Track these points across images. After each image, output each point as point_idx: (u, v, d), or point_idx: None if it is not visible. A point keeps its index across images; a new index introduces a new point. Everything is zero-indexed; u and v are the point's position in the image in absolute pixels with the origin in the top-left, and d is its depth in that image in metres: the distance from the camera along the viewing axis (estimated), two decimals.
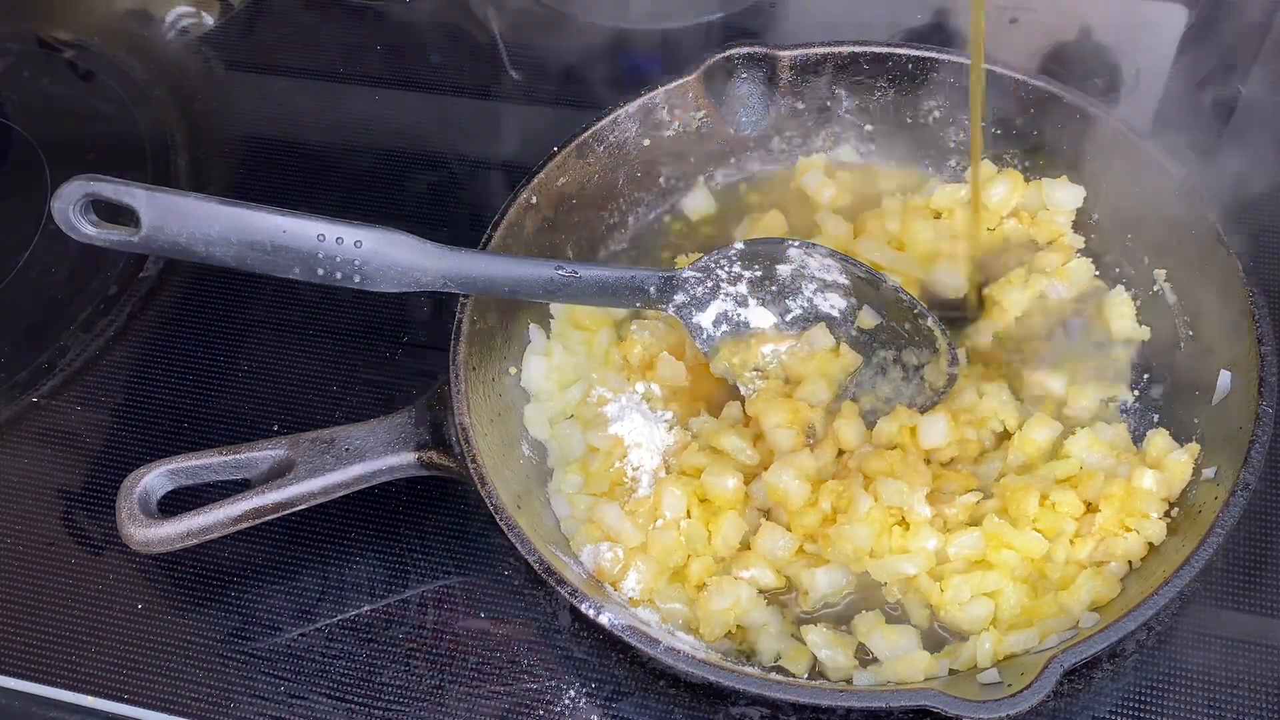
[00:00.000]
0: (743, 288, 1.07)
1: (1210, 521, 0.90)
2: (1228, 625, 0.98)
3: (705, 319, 1.07)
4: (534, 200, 1.12)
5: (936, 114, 1.21)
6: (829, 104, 1.23)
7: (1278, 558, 1.00)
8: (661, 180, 1.23)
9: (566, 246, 1.18)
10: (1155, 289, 1.11)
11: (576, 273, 0.99)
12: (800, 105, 1.23)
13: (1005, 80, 1.16)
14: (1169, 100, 1.34)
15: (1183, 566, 0.88)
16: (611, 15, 1.46)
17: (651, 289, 1.03)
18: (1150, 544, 0.97)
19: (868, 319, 1.07)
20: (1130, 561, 0.97)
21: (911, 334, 1.06)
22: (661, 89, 1.18)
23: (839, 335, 1.08)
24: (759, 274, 1.07)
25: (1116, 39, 1.39)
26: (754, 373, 1.07)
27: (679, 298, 1.05)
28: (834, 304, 1.08)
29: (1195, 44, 1.38)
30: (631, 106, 1.17)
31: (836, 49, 1.19)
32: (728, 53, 1.18)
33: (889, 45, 1.19)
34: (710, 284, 1.06)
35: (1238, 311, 1.00)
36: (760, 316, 1.08)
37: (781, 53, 1.19)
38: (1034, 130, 1.17)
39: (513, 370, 1.11)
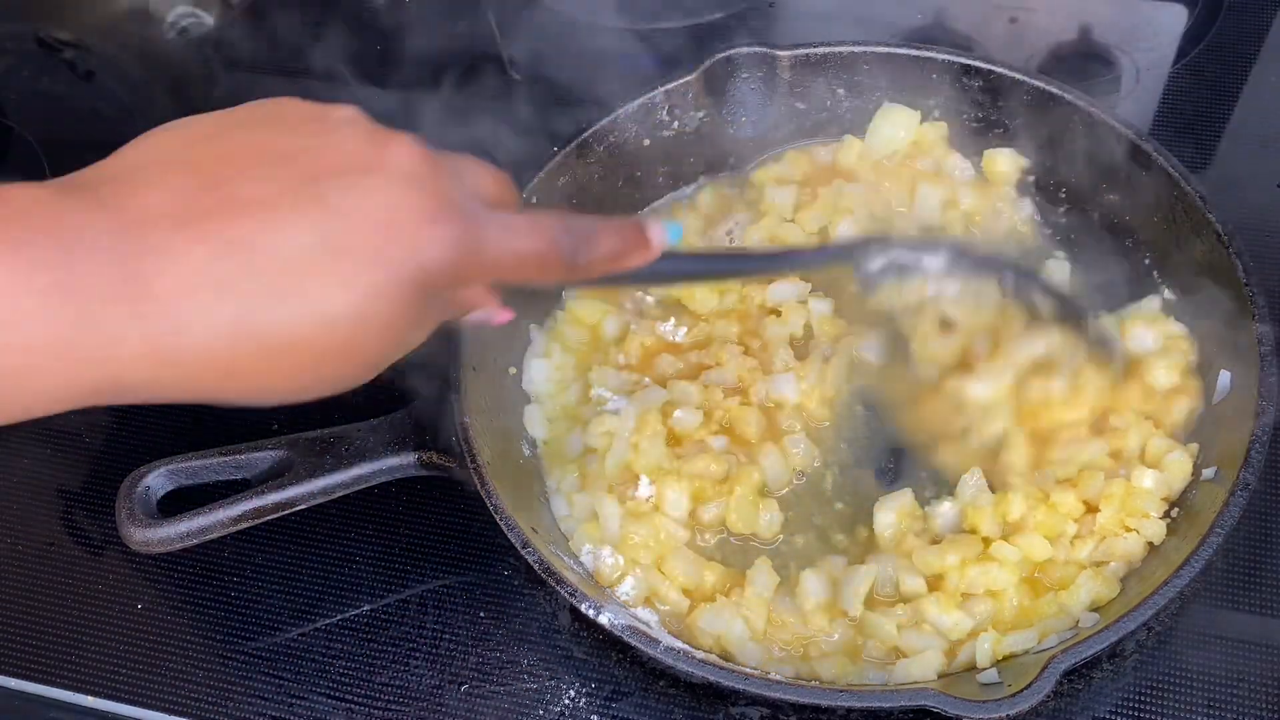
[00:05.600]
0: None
1: (1210, 521, 0.90)
2: (1228, 625, 0.97)
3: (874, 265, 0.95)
4: (534, 200, 1.12)
5: (935, 114, 1.21)
6: (829, 104, 1.23)
7: (1278, 558, 1.00)
8: (661, 180, 1.23)
9: None
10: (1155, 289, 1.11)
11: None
12: (801, 105, 1.23)
13: (1005, 80, 1.16)
14: (1169, 100, 1.34)
15: (1183, 566, 0.88)
16: (612, 15, 1.46)
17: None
18: (1150, 544, 0.97)
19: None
20: (1130, 562, 0.97)
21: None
22: (661, 89, 1.17)
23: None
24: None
25: (1116, 39, 1.39)
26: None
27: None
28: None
29: (1195, 44, 1.39)
30: (631, 106, 1.17)
31: (836, 49, 1.19)
32: (728, 53, 1.18)
33: (889, 45, 1.19)
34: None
35: (1238, 311, 1.00)
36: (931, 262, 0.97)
37: (781, 52, 1.19)
38: (1033, 130, 1.17)
39: (512, 370, 1.11)
